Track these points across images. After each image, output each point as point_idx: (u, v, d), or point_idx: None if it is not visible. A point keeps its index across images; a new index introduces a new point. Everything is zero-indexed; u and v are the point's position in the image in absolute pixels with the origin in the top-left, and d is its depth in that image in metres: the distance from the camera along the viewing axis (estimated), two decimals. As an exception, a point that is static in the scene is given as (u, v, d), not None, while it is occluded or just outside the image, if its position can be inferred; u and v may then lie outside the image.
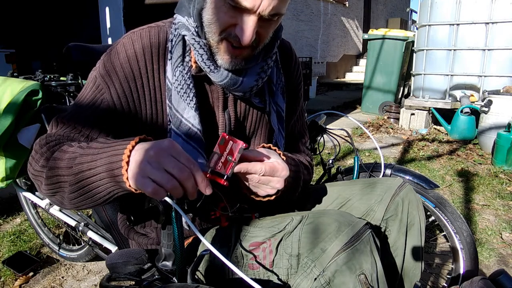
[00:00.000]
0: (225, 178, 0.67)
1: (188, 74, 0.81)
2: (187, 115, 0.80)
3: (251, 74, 0.82)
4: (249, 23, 0.71)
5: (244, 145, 0.69)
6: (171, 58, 0.81)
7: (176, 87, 0.80)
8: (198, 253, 0.78)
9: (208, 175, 0.66)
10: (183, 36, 0.81)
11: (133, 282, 0.78)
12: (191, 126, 0.80)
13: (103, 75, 0.81)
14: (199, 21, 0.76)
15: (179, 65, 0.80)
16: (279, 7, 0.71)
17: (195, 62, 0.82)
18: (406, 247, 0.96)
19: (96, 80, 0.82)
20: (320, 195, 1.04)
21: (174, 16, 0.84)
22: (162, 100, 0.83)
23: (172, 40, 0.82)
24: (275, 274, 0.80)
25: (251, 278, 0.63)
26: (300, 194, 0.98)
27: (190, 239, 0.93)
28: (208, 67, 0.79)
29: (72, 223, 1.52)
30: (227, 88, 0.82)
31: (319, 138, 1.48)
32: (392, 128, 4.70)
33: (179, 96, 0.80)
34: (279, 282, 0.80)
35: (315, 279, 0.73)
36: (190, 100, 0.80)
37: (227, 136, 0.68)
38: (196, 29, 0.78)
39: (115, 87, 0.80)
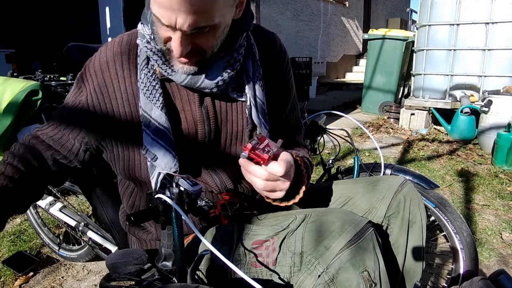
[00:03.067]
0: (269, 155, 0.74)
1: (153, 76, 0.84)
2: (154, 114, 0.84)
3: (216, 70, 0.82)
4: (176, 39, 0.72)
5: (280, 140, 0.78)
6: (139, 63, 0.86)
7: (143, 89, 0.84)
8: (199, 253, 0.78)
9: (248, 151, 0.73)
10: None
11: (133, 282, 0.78)
12: (158, 125, 0.84)
13: (83, 80, 0.89)
14: (152, 29, 0.79)
15: (144, 68, 0.84)
16: (197, 21, 0.69)
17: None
18: (407, 244, 0.96)
19: (78, 83, 0.90)
20: (323, 193, 1.04)
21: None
22: (135, 103, 0.86)
23: (138, 46, 0.87)
24: (278, 272, 0.80)
25: (253, 278, 0.63)
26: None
27: (190, 237, 0.94)
28: (165, 71, 0.82)
29: (72, 223, 1.52)
30: (190, 87, 0.84)
31: (319, 138, 1.48)
32: (392, 128, 4.70)
33: (145, 97, 0.84)
34: (282, 280, 0.80)
35: (319, 276, 0.73)
36: (156, 100, 0.83)
37: (261, 135, 0.76)
38: (151, 36, 0.81)
39: (91, 91, 0.87)
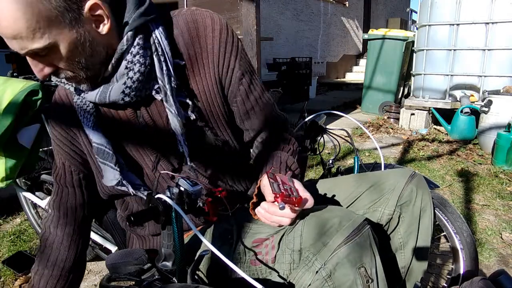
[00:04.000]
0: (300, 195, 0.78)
1: (84, 101, 0.85)
2: (93, 137, 0.86)
3: (116, 81, 0.79)
4: (30, 62, 0.73)
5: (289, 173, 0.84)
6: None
7: (80, 118, 0.86)
8: (198, 253, 0.78)
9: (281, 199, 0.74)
10: None
11: (133, 282, 0.78)
12: (99, 146, 0.86)
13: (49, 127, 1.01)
14: None
15: (74, 96, 0.86)
16: (25, 45, 0.67)
17: None
18: (419, 231, 0.98)
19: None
20: (333, 188, 1.05)
21: None
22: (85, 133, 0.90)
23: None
24: (278, 269, 0.82)
25: (253, 278, 0.63)
26: (312, 189, 1.04)
27: (190, 232, 0.94)
28: (79, 94, 0.83)
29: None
30: (104, 104, 0.83)
31: (319, 138, 1.48)
32: (392, 128, 4.69)
33: (83, 122, 0.86)
34: (282, 277, 0.81)
35: (317, 272, 0.75)
36: (88, 121, 0.85)
37: (272, 175, 0.79)
38: None
39: (55, 138, 0.95)
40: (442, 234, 1.36)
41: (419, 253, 0.99)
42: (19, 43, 0.67)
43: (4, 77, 1.41)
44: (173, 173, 0.89)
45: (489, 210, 2.38)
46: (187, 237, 0.93)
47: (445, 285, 1.45)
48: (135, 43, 0.77)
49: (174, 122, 0.82)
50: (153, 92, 0.81)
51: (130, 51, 0.77)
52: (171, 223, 0.71)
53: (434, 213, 1.02)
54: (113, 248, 1.37)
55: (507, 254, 1.90)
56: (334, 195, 1.03)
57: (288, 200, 0.74)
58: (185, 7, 3.12)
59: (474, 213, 2.32)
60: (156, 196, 0.69)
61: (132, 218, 0.65)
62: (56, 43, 0.69)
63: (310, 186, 1.09)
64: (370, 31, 5.47)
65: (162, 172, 0.90)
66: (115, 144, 0.87)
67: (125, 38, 0.76)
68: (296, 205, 0.76)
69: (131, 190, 0.88)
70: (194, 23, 0.84)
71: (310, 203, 0.79)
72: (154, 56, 0.79)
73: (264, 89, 0.95)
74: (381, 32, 5.32)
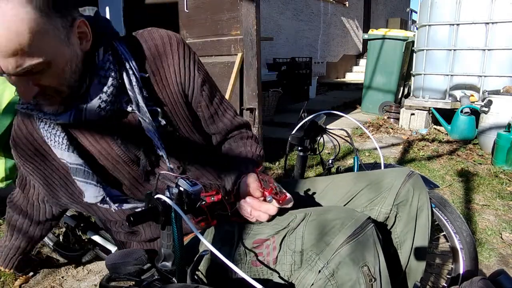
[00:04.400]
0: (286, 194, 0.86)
1: (51, 125, 0.86)
2: (68, 158, 0.87)
3: (92, 96, 0.81)
4: (16, 83, 0.72)
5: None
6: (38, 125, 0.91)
7: (49, 142, 0.88)
8: (198, 253, 0.78)
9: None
10: None
11: (133, 283, 0.79)
12: (77, 166, 0.87)
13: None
14: None
15: (40, 123, 0.87)
16: (21, 63, 0.67)
17: None
18: (415, 231, 0.98)
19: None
20: (332, 186, 1.06)
21: None
22: (53, 158, 0.92)
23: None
24: (279, 271, 0.81)
25: (254, 278, 0.63)
26: (310, 186, 1.08)
27: (189, 236, 0.94)
28: (50, 119, 0.83)
29: (72, 223, 1.52)
30: (77, 124, 0.84)
31: (319, 138, 1.48)
32: (392, 128, 4.69)
33: (54, 147, 0.87)
34: (283, 278, 0.81)
35: (319, 271, 0.74)
36: (61, 144, 0.86)
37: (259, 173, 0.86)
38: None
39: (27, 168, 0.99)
40: (441, 234, 1.36)
41: (417, 252, 0.99)
42: (16, 60, 0.67)
43: (4, 77, 1.41)
44: (173, 174, 0.90)
45: (489, 210, 2.38)
46: (187, 239, 0.94)
47: (445, 285, 1.45)
48: (105, 59, 0.82)
49: (149, 129, 0.87)
50: (123, 105, 0.85)
51: (102, 67, 0.81)
52: (171, 223, 0.71)
53: (433, 213, 1.02)
54: (113, 248, 1.37)
55: (507, 254, 1.90)
56: (332, 193, 1.04)
57: (275, 196, 0.81)
58: (185, 7, 3.12)
59: (474, 213, 2.32)
60: (155, 196, 0.69)
61: (132, 218, 0.65)
62: (53, 59, 0.71)
63: (309, 183, 1.09)
64: (370, 31, 5.47)
65: (161, 172, 0.90)
66: (90, 162, 0.89)
67: (98, 55, 0.81)
68: (281, 201, 0.82)
69: (113, 207, 0.91)
70: (153, 41, 0.91)
71: (291, 204, 0.87)
72: (123, 71, 0.84)
73: (223, 96, 1.05)
74: (381, 32, 5.32)
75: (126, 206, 0.92)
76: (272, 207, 0.83)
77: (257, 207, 0.84)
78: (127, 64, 0.85)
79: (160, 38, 0.92)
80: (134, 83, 0.85)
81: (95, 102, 0.81)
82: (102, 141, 0.89)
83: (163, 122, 0.89)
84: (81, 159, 0.87)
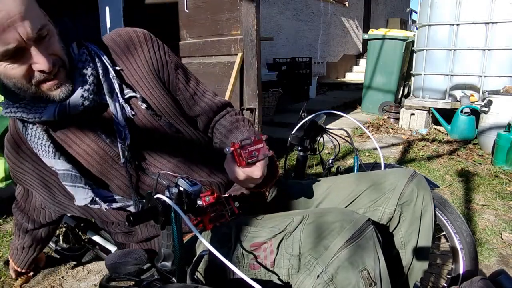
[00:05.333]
0: (249, 161, 0.77)
1: (36, 133, 0.88)
2: (56, 165, 0.88)
3: (74, 88, 0.83)
4: (36, 54, 0.74)
5: (271, 153, 0.80)
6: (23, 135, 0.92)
7: (37, 151, 0.89)
8: (198, 253, 0.78)
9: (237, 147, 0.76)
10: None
11: (133, 282, 0.79)
12: (65, 171, 0.88)
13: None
14: (3, 90, 0.82)
15: (25, 132, 0.89)
16: (34, 23, 0.72)
17: None
18: (420, 231, 0.98)
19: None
20: (334, 187, 1.05)
21: None
22: (43, 167, 0.94)
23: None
24: (276, 274, 0.80)
25: (252, 279, 0.63)
26: (312, 188, 1.07)
27: (188, 236, 0.94)
28: (35, 118, 0.84)
29: (72, 223, 1.52)
30: (63, 116, 0.84)
31: (319, 138, 1.48)
32: (392, 128, 4.69)
33: (42, 156, 0.88)
34: (280, 282, 0.80)
35: (318, 276, 0.73)
36: (47, 152, 0.87)
37: (260, 137, 0.80)
38: (6, 100, 0.84)
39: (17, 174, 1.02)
40: (442, 234, 1.36)
41: (420, 252, 0.99)
42: (29, 23, 0.71)
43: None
44: (173, 174, 0.90)
45: (489, 210, 2.38)
46: (186, 238, 0.93)
47: (445, 285, 1.45)
48: (81, 52, 0.87)
49: (118, 121, 0.88)
50: (103, 97, 0.87)
51: (80, 59, 0.86)
52: (170, 223, 0.70)
53: (435, 213, 1.02)
54: (112, 248, 1.37)
55: (507, 254, 1.90)
56: (334, 194, 1.03)
57: (237, 154, 0.77)
58: (185, 7, 3.12)
59: (474, 213, 2.32)
60: (155, 196, 0.69)
61: (132, 218, 0.65)
62: (50, 26, 0.78)
63: (310, 185, 1.09)
64: (370, 31, 5.47)
65: (161, 172, 0.90)
66: (78, 165, 0.90)
67: (72, 49, 0.86)
68: (238, 164, 0.78)
69: (104, 206, 0.91)
70: (120, 37, 0.95)
71: (256, 174, 0.79)
72: (98, 64, 0.87)
73: (198, 80, 1.06)
74: (381, 32, 5.32)
75: (115, 205, 0.93)
76: (255, 169, 0.79)
77: (242, 178, 0.80)
78: (100, 58, 0.89)
79: (126, 34, 0.96)
80: (111, 75, 0.88)
81: (78, 93, 0.83)
82: (86, 138, 0.90)
83: (144, 105, 0.90)
84: (68, 164, 0.88)
